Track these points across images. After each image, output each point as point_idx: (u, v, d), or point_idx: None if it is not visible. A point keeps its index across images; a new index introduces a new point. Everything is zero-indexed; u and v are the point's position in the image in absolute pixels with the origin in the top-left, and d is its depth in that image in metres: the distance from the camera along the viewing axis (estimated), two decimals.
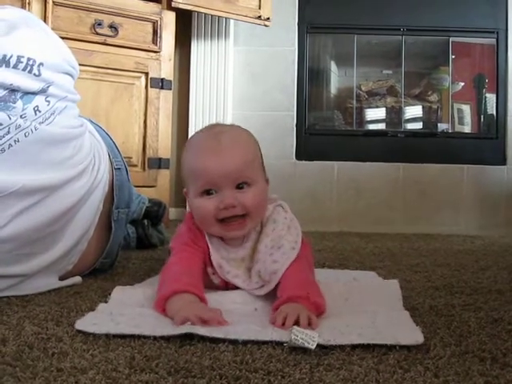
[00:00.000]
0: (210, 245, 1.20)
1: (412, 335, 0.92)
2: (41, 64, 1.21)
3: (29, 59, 1.18)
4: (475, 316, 1.12)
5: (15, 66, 1.16)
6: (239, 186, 1.15)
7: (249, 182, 1.16)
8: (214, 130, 1.20)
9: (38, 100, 1.21)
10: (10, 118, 1.15)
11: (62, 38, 2.33)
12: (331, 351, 0.87)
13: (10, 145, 1.15)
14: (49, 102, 1.24)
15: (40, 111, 1.21)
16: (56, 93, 1.25)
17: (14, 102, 1.17)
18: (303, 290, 1.08)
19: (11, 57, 1.16)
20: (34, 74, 1.19)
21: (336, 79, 3.69)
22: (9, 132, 1.15)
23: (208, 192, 1.15)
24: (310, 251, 1.26)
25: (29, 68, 1.18)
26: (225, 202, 1.13)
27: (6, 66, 1.15)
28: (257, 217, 1.19)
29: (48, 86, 1.23)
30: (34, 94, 1.21)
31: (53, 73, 1.24)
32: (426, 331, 0.96)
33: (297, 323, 0.95)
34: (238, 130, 1.23)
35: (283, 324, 0.96)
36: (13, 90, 1.17)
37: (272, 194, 1.27)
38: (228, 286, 1.22)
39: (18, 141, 1.16)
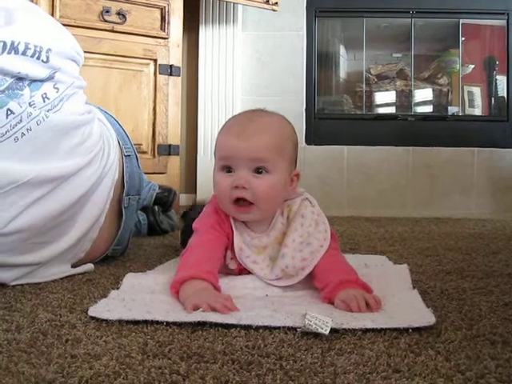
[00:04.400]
0: (234, 228, 1.21)
1: (424, 317, 0.93)
2: (49, 50, 1.21)
3: (36, 46, 1.18)
4: (486, 300, 1.12)
5: (24, 53, 1.16)
6: (258, 171, 1.15)
7: (267, 169, 1.15)
8: (252, 113, 1.22)
9: (46, 87, 1.21)
10: (20, 107, 1.15)
11: (70, 25, 2.37)
12: (342, 335, 0.87)
13: (23, 133, 1.15)
14: (57, 89, 1.24)
15: (49, 98, 1.21)
16: (63, 79, 1.25)
17: (22, 90, 1.17)
18: (349, 275, 1.11)
19: (19, 43, 1.16)
20: (42, 61, 1.19)
21: (345, 63, 3.67)
22: (21, 120, 1.15)
23: (228, 170, 1.16)
24: (336, 241, 1.26)
25: (37, 54, 1.18)
26: (236, 182, 1.14)
27: (14, 53, 1.15)
28: (264, 208, 1.18)
29: (54, 73, 1.23)
30: (42, 81, 1.21)
31: (60, 59, 1.24)
32: (437, 315, 0.96)
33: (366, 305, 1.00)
34: (275, 117, 1.22)
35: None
36: (20, 78, 1.17)
37: None
38: (241, 273, 1.22)
39: (31, 129, 1.16)
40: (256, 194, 1.15)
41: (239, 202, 1.16)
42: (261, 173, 1.15)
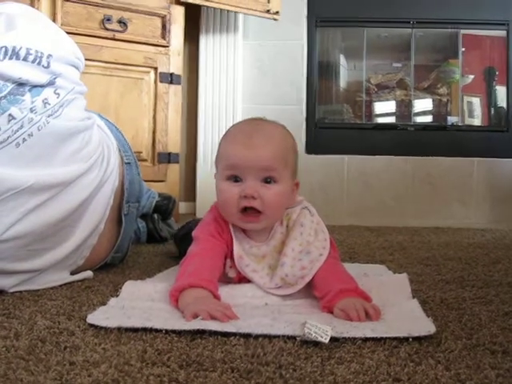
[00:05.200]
0: (233, 237, 1.21)
1: (424, 326, 0.93)
2: (50, 55, 1.21)
3: (37, 51, 1.19)
4: (486, 309, 1.12)
5: (25, 58, 1.17)
6: (266, 181, 1.16)
7: (275, 178, 1.16)
8: (254, 122, 1.22)
9: (47, 92, 1.22)
10: (22, 112, 1.15)
11: (72, 33, 2.38)
12: (342, 344, 0.87)
13: (24, 139, 1.16)
14: (58, 94, 1.24)
15: (49, 104, 1.22)
16: (64, 85, 1.25)
17: (23, 95, 1.17)
18: (349, 284, 1.10)
19: (20, 49, 1.16)
20: (43, 66, 1.20)
21: (345, 72, 3.68)
22: (22, 126, 1.15)
23: (235, 179, 1.16)
24: (336, 249, 1.26)
25: (38, 60, 1.19)
26: (246, 191, 1.14)
27: (16, 58, 1.15)
28: (272, 217, 1.19)
29: (55, 78, 1.23)
30: (43, 86, 1.21)
31: (61, 64, 1.24)
32: (437, 324, 0.96)
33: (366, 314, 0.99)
34: (278, 127, 1.23)
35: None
36: (21, 84, 1.17)
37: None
38: (241, 282, 1.22)
39: (32, 135, 1.16)
40: (265, 203, 1.15)
41: (246, 211, 1.16)
42: (269, 182, 1.16)
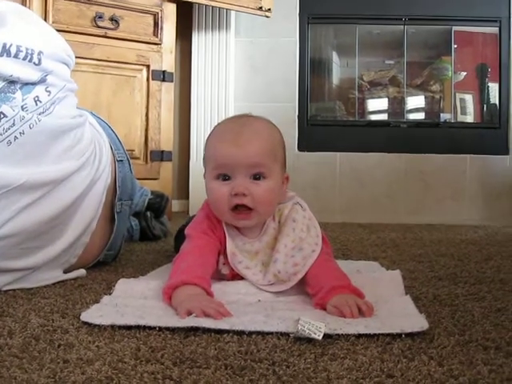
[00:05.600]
0: (226, 233, 1.21)
1: (417, 322, 0.93)
2: (40, 52, 1.21)
3: (27, 48, 1.18)
4: (479, 305, 1.12)
5: (16, 56, 1.16)
6: (255, 177, 1.16)
7: (264, 174, 1.16)
8: (241, 119, 1.22)
9: (38, 90, 1.21)
10: (13, 110, 1.15)
11: (63, 31, 2.37)
12: (336, 341, 0.87)
13: (16, 137, 1.15)
14: (49, 92, 1.24)
15: (41, 101, 1.21)
16: (55, 82, 1.25)
17: (14, 93, 1.17)
18: (341, 280, 1.10)
19: (11, 46, 1.16)
20: (34, 63, 1.19)
21: (338, 70, 3.67)
22: (14, 124, 1.15)
23: (224, 177, 1.16)
24: (328, 245, 1.26)
25: (29, 57, 1.18)
26: (235, 189, 1.14)
27: (6, 56, 1.15)
28: (264, 213, 1.19)
29: (46, 76, 1.23)
30: (34, 84, 1.21)
31: (52, 62, 1.24)
32: (430, 321, 0.96)
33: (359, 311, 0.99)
34: (264, 122, 1.23)
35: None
36: (12, 81, 1.17)
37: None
38: (234, 279, 1.22)
39: (23, 133, 1.16)
40: (255, 199, 1.15)
41: (237, 208, 1.16)
42: (258, 179, 1.16)
